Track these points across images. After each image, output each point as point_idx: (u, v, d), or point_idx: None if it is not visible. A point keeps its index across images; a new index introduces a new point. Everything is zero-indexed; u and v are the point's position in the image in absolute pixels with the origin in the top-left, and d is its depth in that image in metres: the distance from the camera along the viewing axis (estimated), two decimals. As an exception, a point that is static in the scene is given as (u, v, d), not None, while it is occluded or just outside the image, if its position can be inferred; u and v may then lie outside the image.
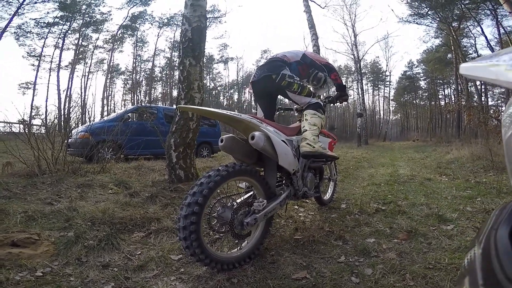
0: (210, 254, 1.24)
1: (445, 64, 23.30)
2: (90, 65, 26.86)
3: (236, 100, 36.94)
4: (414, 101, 34.30)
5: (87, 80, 26.87)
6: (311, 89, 1.89)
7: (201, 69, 3.26)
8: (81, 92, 25.95)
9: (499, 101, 21.76)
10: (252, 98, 2.42)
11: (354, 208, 2.27)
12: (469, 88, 17.69)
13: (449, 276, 1.23)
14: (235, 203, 1.39)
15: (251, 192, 1.52)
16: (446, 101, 27.48)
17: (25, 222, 1.63)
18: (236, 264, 1.33)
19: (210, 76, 33.81)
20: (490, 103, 20.52)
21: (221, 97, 36.82)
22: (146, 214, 1.87)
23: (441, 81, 29.24)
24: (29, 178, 2.66)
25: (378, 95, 36.82)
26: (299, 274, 1.31)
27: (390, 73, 33.19)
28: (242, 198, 1.46)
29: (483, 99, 17.91)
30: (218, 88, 36.26)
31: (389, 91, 35.47)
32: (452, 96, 27.18)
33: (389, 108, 36.42)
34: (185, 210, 1.16)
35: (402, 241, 1.59)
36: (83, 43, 24.67)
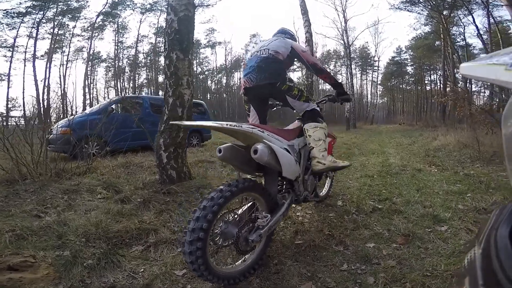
0: (217, 272, 1.22)
1: (433, 51, 23.56)
2: (69, 54, 25.42)
3: (224, 85, 36.20)
4: (401, 86, 34.87)
5: (66, 69, 25.50)
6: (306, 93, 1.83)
7: (190, 63, 3.02)
8: (60, 82, 24.63)
9: (481, 88, 22.55)
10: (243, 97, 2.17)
11: (351, 206, 2.30)
12: (455, 74, 18.09)
13: (445, 284, 1.27)
14: (237, 216, 1.35)
15: (251, 203, 1.48)
16: (433, 86, 28.04)
17: (15, 242, 1.53)
18: (242, 278, 1.32)
19: (197, 61, 32.65)
20: (473, 89, 21.17)
21: (209, 82, 35.89)
22: (142, 225, 1.81)
23: (427, 67, 29.68)
24: (10, 186, 2.50)
25: (366, 79, 37.16)
26: (305, 285, 1.32)
27: (378, 58, 33.30)
28: (243, 210, 1.42)
29: (468, 85, 18.44)
30: (206, 72, 35.23)
31: (377, 76, 35.80)
32: (438, 81, 27.79)
33: (376, 92, 36.92)
34: (189, 235, 1.12)
35: (401, 246, 1.63)
36: (59, 32, 23.16)
